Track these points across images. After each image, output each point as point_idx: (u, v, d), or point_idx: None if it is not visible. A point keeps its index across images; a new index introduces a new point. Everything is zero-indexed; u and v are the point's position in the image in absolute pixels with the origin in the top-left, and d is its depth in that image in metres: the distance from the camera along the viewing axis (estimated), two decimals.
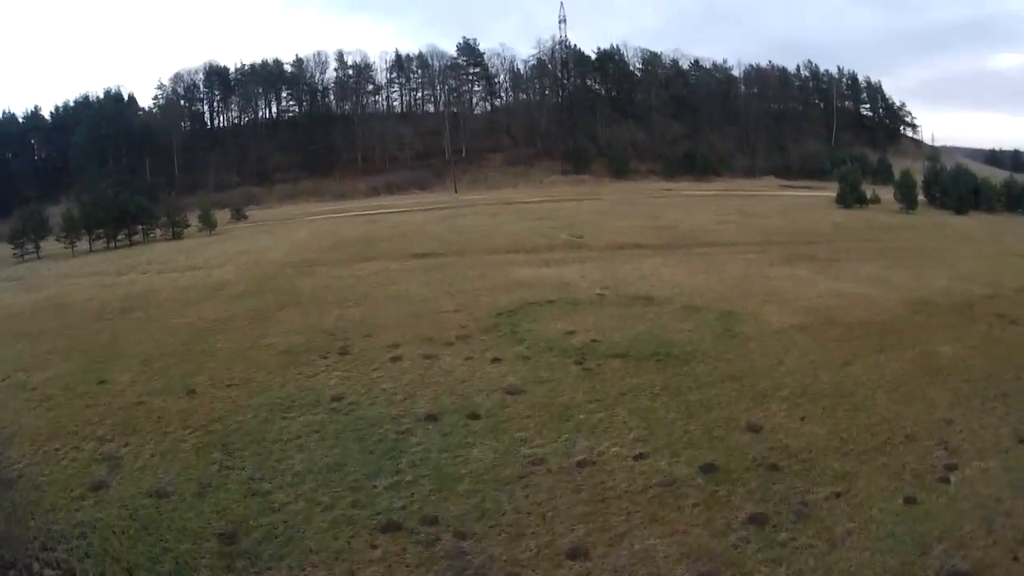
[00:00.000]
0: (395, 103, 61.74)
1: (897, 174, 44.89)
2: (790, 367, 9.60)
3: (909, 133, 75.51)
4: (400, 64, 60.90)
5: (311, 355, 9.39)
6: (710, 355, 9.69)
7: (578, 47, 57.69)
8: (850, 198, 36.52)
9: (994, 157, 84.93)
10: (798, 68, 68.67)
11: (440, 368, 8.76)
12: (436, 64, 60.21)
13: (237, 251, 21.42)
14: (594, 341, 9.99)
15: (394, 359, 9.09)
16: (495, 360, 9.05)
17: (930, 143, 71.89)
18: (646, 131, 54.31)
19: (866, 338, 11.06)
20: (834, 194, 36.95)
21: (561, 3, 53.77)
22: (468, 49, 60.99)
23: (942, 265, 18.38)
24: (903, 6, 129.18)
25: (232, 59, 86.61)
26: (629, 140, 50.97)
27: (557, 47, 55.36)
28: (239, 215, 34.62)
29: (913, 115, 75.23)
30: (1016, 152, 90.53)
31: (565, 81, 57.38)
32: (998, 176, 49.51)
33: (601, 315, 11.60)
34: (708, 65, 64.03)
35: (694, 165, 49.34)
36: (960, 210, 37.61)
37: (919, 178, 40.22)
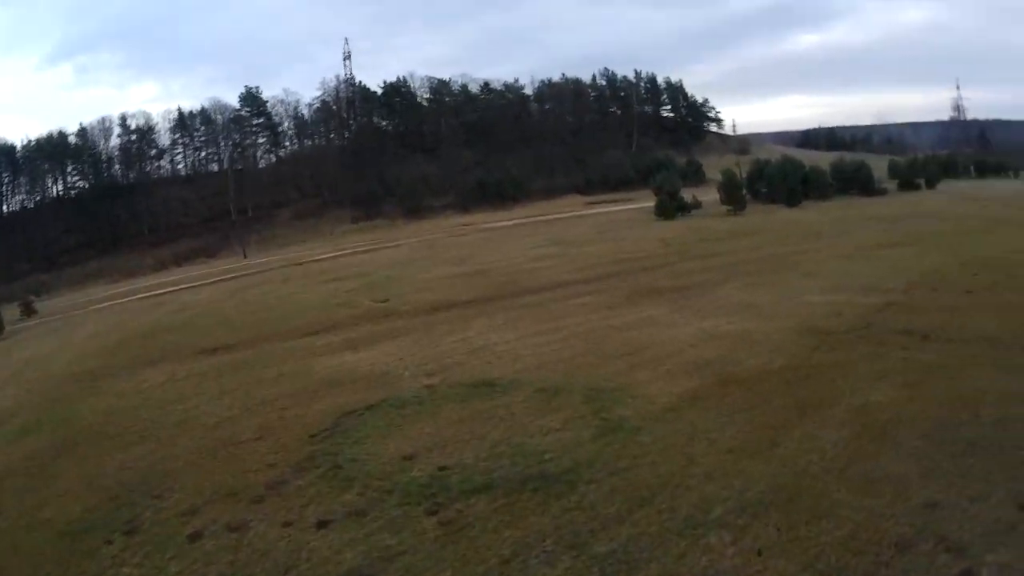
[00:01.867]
0: (180, 165, 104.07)
1: (710, 172, 69.88)
2: (707, 466, 12.13)
3: (714, 128, 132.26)
4: (183, 122, 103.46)
5: (93, 537, 12.08)
6: (598, 467, 12.38)
7: (363, 84, 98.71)
8: (671, 208, 55.89)
9: (807, 138, 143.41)
10: (594, 78, 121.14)
11: (253, 549, 11.06)
12: (219, 119, 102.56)
13: (22, 362, 30.14)
14: (442, 469, 12.94)
15: (193, 536, 11.68)
16: (321, 524, 11.54)
17: (735, 134, 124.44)
18: (438, 163, 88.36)
19: (775, 397, 15.22)
20: (646, 205, 57.84)
21: (346, 39, 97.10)
22: (251, 99, 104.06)
23: (805, 275, 29.31)
24: (697, 3, 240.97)
25: (19, 135, 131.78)
26: (420, 175, 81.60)
27: (342, 86, 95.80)
28: (28, 310, 53.49)
29: (717, 110, 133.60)
30: (831, 130, 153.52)
31: (351, 122, 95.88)
32: (818, 159, 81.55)
33: (439, 420, 15.42)
34: (499, 87, 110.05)
35: (490, 193, 79.64)
36: (792, 203, 59.50)
37: (739, 171, 64.28)
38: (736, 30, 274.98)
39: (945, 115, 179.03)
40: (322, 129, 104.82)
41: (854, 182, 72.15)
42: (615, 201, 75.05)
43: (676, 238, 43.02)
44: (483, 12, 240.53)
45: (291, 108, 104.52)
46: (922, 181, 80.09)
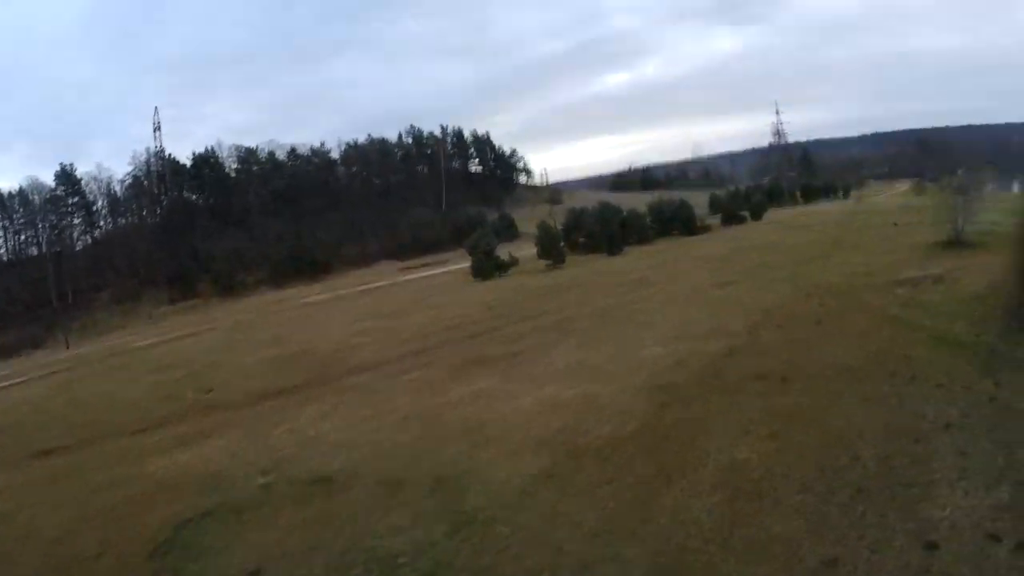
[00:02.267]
0: (0, 250, 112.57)
1: (523, 226, 74.22)
2: (577, 555, 12.48)
3: (524, 179, 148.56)
4: (2, 204, 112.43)
5: None
6: (458, 567, 13.04)
7: (172, 156, 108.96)
8: (488, 268, 59.01)
9: (620, 181, 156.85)
10: (400, 136, 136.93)
11: None
12: (36, 199, 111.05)
13: None
14: None
15: None
16: None
17: (545, 183, 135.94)
18: (249, 235, 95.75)
19: (635, 466, 15.82)
20: (462, 266, 61.76)
21: (155, 109, 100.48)
22: (66, 177, 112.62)
23: (640, 325, 30.99)
24: (497, 52, 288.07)
25: None
26: (232, 250, 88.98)
27: (152, 159, 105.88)
28: None
29: (525, 160, 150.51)
30: (645, 170, 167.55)
31: (162, 197, 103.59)
32: (635, 201, 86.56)
33: (280, 526, 16.28)
34: (306, 152, 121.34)
35: (303, 264, 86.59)
36: (614, 250, 62.79)
37: (553, 222, 68.31)
38: (541, 75, 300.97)
39: (765, 141, 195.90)
40: (135, 206, 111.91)
41: (675, 222, 77.11)
42: (429, 264, 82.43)
43: (498, 299, 46.42)
44: (287, 75, 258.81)
45: (104, 185, 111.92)
46: (747, 213, 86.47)
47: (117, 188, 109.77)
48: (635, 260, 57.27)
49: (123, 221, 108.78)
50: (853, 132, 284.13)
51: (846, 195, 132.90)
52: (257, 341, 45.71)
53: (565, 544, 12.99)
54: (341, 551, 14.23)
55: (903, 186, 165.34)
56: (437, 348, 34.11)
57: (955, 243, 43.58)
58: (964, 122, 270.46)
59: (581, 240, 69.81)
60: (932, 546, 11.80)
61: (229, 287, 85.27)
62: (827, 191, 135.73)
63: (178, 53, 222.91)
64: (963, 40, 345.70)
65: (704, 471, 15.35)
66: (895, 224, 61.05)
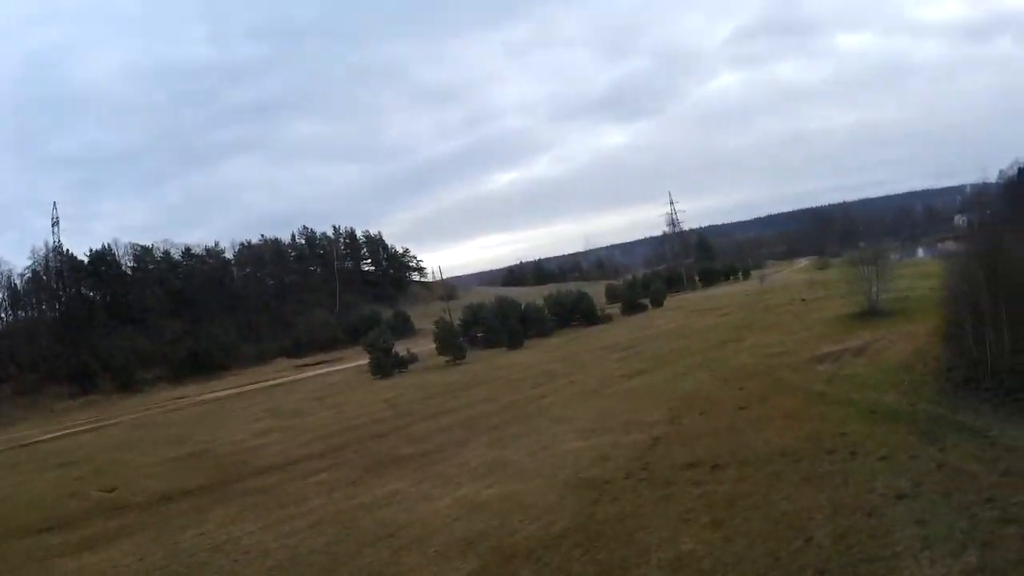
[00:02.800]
0: None
1: (419, 323, 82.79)
2: None
3: (417, 277, 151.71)
4: None
5: None
6: None
7: (70, 252, 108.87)
8: (387, 365, 59.26)
9: (513, 275, 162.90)
10: (293, 237, 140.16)
11: None
12: None
13: None
14: None
15: None
16: None
17: (440, 279, 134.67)
18: (147, 335, 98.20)
19: (573, 566, 15.39)
20: (359, 363, 63.44)
21: (54, 204, 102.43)
22: None
23: (554, 420, 30.98)
24: (389, 154, 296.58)
25: None
26: (131, 348, 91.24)
27: (51, 254, 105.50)
28: None
29: (419, 259, 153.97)
30: (537, 263, 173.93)
31: (61, 292, 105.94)
32: (531, 295, 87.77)
33: None
34: (200, 251, 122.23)
35: (201, 363, 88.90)
36: (514, 344, 62.78)
37: (450, 317, 68.91)
38: (433, 176, 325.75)
39: (658, 231, 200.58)
40: (34, 300, 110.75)
41: (575, 313, 77.78)
42: (325, 362, 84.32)
43: (401, 397, 46.87)
44: (183, 174, 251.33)
45: (4, 278, 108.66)
46: (647, 300, 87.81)
47: (17, 282, 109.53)
48: (538, 353, 57.56)
49: (23, 315, 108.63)
50: (747, 216, 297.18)
51: (746, 276, 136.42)
52: (158, 439, 44.90)
53: None
54: None
55: (802, 263, 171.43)
56: (343, 448, 34.00)
57: (870, 313, 45.07)
58: (862, 196, 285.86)
59: (480, 335, 69.69)
60: None
61: (128, 384, 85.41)
62: (727, 273, 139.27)
63: (77, 150, 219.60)
64: (859, 116, 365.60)
65: (648, 568, 14.92)
66: (803, 300, 62.77)
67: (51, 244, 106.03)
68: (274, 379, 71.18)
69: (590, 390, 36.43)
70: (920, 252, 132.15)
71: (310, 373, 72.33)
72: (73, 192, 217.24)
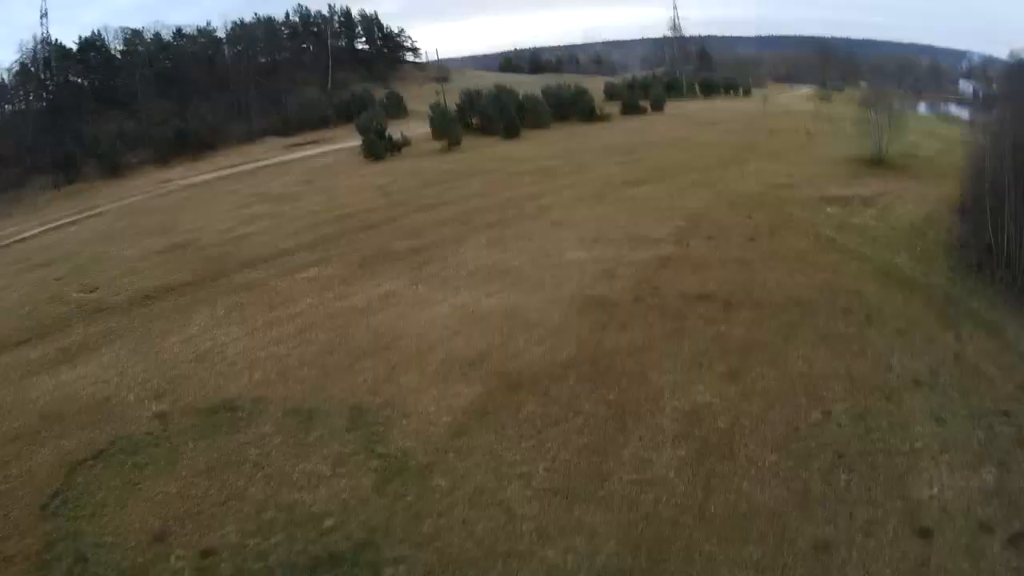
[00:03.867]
0: None
1: (411, 104, 78.23)
2: (534, 520, 11.58)
3: (411, 58, 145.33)
4: None
5: None
6: (398, 536, 12.00)
7: (59, 42, 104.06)
8: (380, 148, 55.75)
9: (509, 62, 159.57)
10: (287, 15, 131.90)
11: None
12: None
13: None
14: (206, 555, 12.80)
15: None
16: None
17: (436, 60, 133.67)
18: (134, 118, 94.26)
19: (582, 403, 14.74)
20: (351, 145, 61.55)
21: None
22: None
23: (555, 224, 29.52)
24: None
25: None
26: (117, 132, 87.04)
27: (39, 46, 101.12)
28: None
29: (413, 39, 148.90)
30: (534, 52, 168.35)
31: (48, 83, 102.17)
32: (526, 84, 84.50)
33: (182, 472, 15.35)
34: (192, 31, 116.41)
35: (189, 144, 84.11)
36: (511, 134, 60.57)
37: (444, 101, 66.47)
38: None
39: (658, 33, 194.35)
40: (22, 93, 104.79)
41: (573, 108, 75.06)
42: (316, 142, 79.28)
43: (395, 184, 43.37)
44: None
45: None
46: (647, 104, 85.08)
47: (4, 76, 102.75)
48: (535, 147, 55.31)
49: (10, 108, 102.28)
50: (749, 32, 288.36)
51: (747, 93, 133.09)
52: (143, 229, 42.05)
53: (516, 506, 11.94)
54: (256, 508, 13.14)
55: (804, 90, 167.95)
56: (334, 240, 31.65)
57: (877, 162, 43.72)
58: (865, 35, 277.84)
59: (475, 122, 67.21)
60: (926, 533, 11.47)
61: (115, 169, 79.45)
62: (727, 87, 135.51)
63: None
64: None
65: (662, 417, 14.27)
66: (808, 132, 61.04)
67: (39, 36, 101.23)
68: (263, 160, 68.28)
69: (591, 194, 34.91)
70: (922, 107, 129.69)
71: (300, 154, 69.14)
72: None
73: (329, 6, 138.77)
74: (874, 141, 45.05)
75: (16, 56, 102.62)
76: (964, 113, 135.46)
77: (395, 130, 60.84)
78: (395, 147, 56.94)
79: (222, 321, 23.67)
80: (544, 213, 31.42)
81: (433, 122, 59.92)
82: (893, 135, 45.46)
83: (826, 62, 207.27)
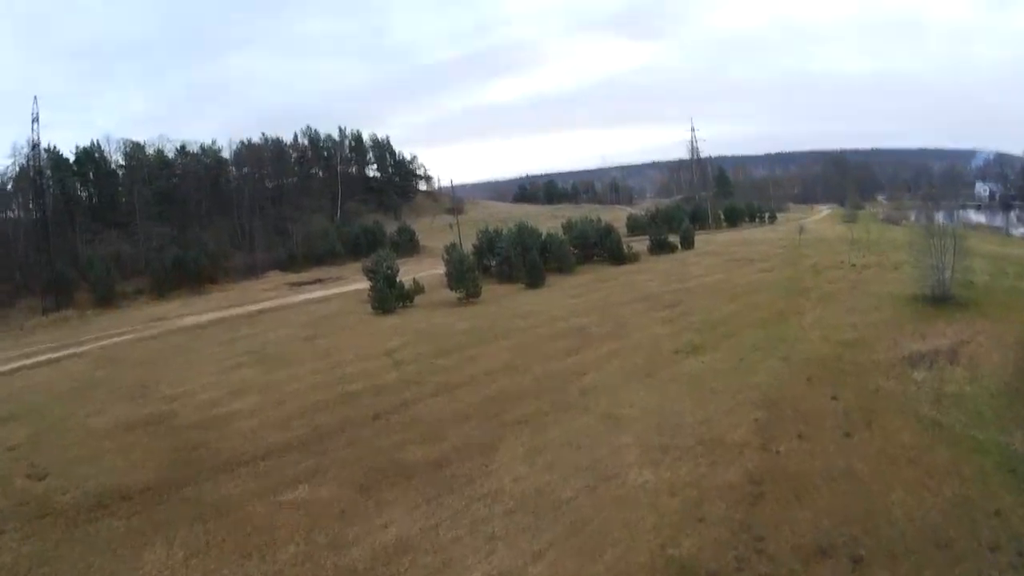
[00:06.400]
0: None
1: (424, 238, 77.28)
2: None
3: (423, 187, 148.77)
4: None
5: None
6: None
7: (56, 148, 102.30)
8: (390, 299, 51.34)
9: (524, 191, 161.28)
10: (296, 137, 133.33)
11: None
12: None
13: None
14: None
15: None
16: None
17: (450, 191, 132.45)
18: (131, 240, 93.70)
19: None
20: (359, 287, 58.81)
21: (35, 98, 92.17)
22: None
23: (606, 419, 24.75)
24: (395, 55, 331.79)
25: None
26: (113, 256, 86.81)
27: (32, 151, 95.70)
28: None
29: (426, 167, 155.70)
30: (550, 181, 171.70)
31: (43, 193, 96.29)
32: (544, 216, 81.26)
33: None
34: (195, 149, 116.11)
35: (188, 272, 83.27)
36: (535, 282, 56.31)
37: (460, 240, 62.36)
38: (440, 80, 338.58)
39: (672, 155, 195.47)
40: (20, 200, 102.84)
41: (598, 247, 71.23)
42: (323, 281, 77.93)
43: (406, 350, 38.37)
44: (189, 66, 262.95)
45: None
46: (676, 239, 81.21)
47: (5, 180, 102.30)
48: (563, 297, 50.89)
49: (11, 215, 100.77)
50: (759, 151, 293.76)
51: (771, 220, 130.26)
52: (119, 386, 37.68)
53: None
54: None
55: (825, 211, 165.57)
56: (333, 435, 26.16)
57: (941, 299, 39.91)
58: (874, 145, 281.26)
59: (494, 265, 62.94)
60: None
61: (107, 298, 78.73)
62: (751, 214, 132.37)
63: (85, 40, 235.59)
64: (872, 64, 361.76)
65: None
66: (853, 265, 57.00)
67: (31, 140, 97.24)
68: (264, 301, 65.48)
69: (640, 369, 29.97)
70: (941, 217, 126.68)
71: (304, 296, 66.14)
72: (79, 83, 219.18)
73: (340, 129, 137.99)
74: (936, 277, 41.01)
75: (10, 159, 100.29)
76: (982, 218, 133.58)
77: (407, 268, 58.09)
78: (407, 296, 53.11)
79: (179, 569, 18.64)
80: (590, 399, 26.56)
81: (449, 270, 55.32)
82: (959, 264, 41.65)
83: (842, 177, 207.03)
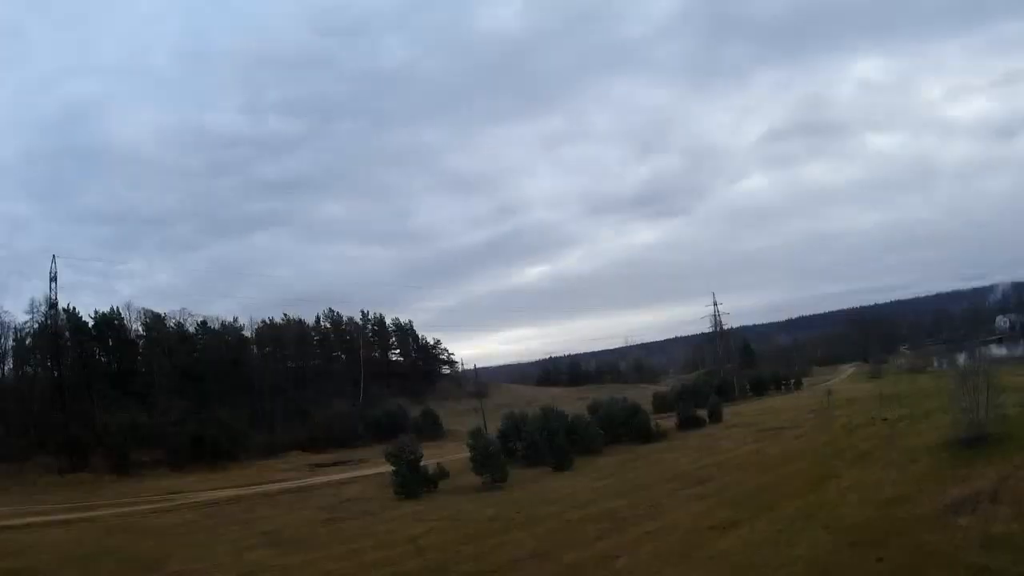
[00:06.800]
0: None
1: (448, 422, 79.39)
2: None
3: (447, 370, 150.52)
4: None
5: None
6: None
7: (75, 310, 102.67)
8: (414, 485, 50.43)
9: (546, 372, 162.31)
10: (318, 319, 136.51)
11: None
12: None
13: None
14: None
15: None
16: None
17: (470, 371, 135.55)
18: (149, 412, 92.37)
19: None
20: (381, 470, 58.02)
21: (53, 257, 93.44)
22: None
23: None
24: (418, 240, 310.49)
25: None
26: (130, 425, 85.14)
27: (49, 312, 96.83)
28: None
29: (450, 351, 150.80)
30: (573, 361, 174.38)
31: (60, 354, 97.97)
32: (569, 398, 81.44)
33: None
34: (216, 326, 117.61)
35: (206, 449, 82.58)
36: (562, 465, 55.23)
37: (485, 425, 62.75)
38: (463, 265, 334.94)
39: (692, 330, 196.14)
40: (38, 357, 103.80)
41: (625, 427, 70.53)
42: (344, 464, 77.83)
43: (430, 537, 36.23)
44: (211, 243, 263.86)
45: (7, 329, 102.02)
46: (704, 414, 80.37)
47: (25, 337, 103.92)
48: (591, 480, 49.54)
49: (30, 371, 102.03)
50: (780, 317, 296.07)
51: (798, 386, 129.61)
52: (127, 558, 36.04)
53: None
54: None
55: (849, 369, 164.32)
56: None
57: (976, 439, 39.17)
58: (891, 298, 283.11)
59: (520, 449, 62.11)
60: None
61: (123, 465, 78.68)
62: (777, 382, 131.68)
63: (107, 207, 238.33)
64: (886, 216, 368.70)
65: None
66: (884, 419, 56.02)
67: (49, 300, 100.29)
68: (283, 480, 64.95)
69: (676, 551, 28.15)
70: (962, 359, 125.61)
71: (324, 478, 65.31)
72: (101, 248, 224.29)
73: (362, 313, 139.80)
74: (971, 418, 40.43)
75: (27, 318, 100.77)
76: (1003, 351, 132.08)
77: (431, 452, 58.02)
78: (431, 481, 52.24)
79: None
80: None
81: (474, 455, 54.57)
82: (990, 404, 40.80)
83: (866, 335, 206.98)
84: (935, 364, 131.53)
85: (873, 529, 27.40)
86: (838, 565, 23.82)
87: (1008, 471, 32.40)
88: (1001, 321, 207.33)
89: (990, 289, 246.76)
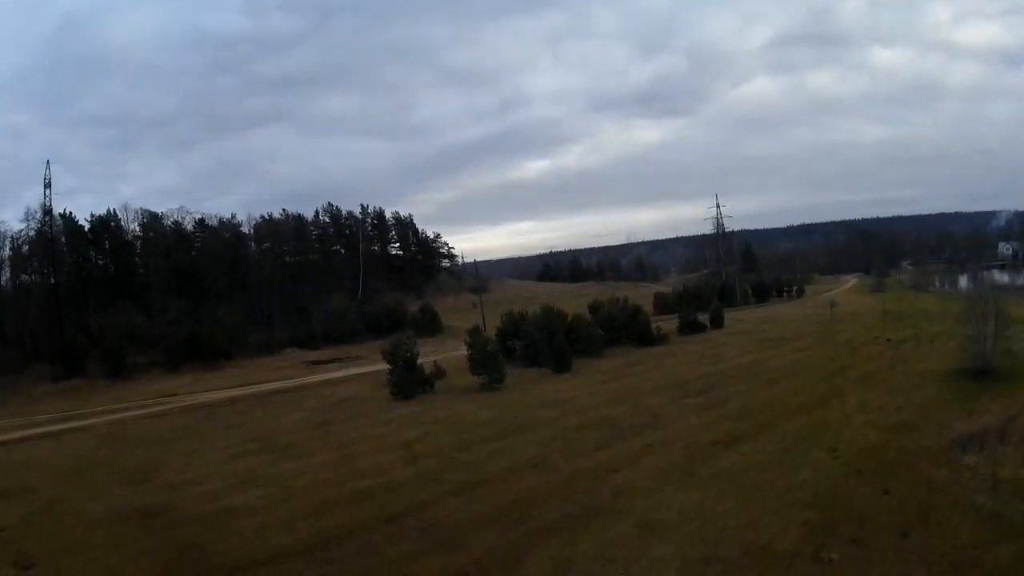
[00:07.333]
0: None
1: (446, 316, 77.92)
2: None
3: (446, 263, 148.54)
4: None
5: None
6: None
7: (72, 215, 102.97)
8: (409, 385, 49.90)
9: (547, 268, 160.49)
10: (317, 214, 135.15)
11: None
12: None
13: None
14: None
15: None
16: None
17: (469, 265, 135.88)
18: (145, 313, 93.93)
19: None
20: (377, 368, 57.50)
21: (47, 163, 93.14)
22: None
23: (642, 528, 22.47)
24: (419, 134, 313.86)
25: None
26: (126, 327, 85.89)
27: (45, 218, 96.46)
28: None
29: (450, 245, 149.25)
30: (574, 258, 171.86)
31: (55, 260, 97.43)
32: (570, 294, 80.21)
33: None
34: (214, 223, 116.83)
35: (200, 349, 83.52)
36: (562, 367, 54.71)
37: (484, 322, 61.40)
38: (464, 159, 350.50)
39: (694, 231, 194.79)
40: (36, 264, 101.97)
41: (626, 329, 69.90)
42: (341, 361, 76.68)
43: (425, 442, 36.32)
44: (212, 140, 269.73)
45: (3, 239, 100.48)
46: (705, 318, 79.54)
47: (8, 245, 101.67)
48: (591, 383, 48.97)
49: (28, 279, 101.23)
50: (781, 223, 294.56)
51: (799, 293, 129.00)
52: (120, 469, 36.25)
53: None
54: None
55: (850, 280, 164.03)
56: (341, 542, 23.60)
57: (983, 372, 38.68)
58: (894, 213, 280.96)
59: (518, 349, 61.49)
60: None
61: (119, 369, 78.07)
62: (779, 290, 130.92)
63: (107, 110, 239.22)
64: (890, 132, 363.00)
65: None
66: (889, 340, 55.33)
67: (44, 205, 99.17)
68: (278, 379, 64.29)
69: (678, 466, 27.83)
70: (963, 281, 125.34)
71: (320, 377, 64.73)
72: (101, 151, 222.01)
73: (362, 207, 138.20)
74: (978, 350, 39.75)
75: (23, 226, 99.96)
76: (1006, 277, 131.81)
77: (429, 349, 57.92)
78: (427, 382, 51.49)
79: None
80: (623, 501, 24.45)
81: (471, 354, 53.70)
82: (998, 337, 40.29)
83: (866, 246, 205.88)
84: (937, 284, 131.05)
85: (878, 456, 27.08)
86: (845, 494, 23.46)
87: (1015, 410, 31.84)
88: (1004, 248, 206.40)
89: (993, 215, 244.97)
